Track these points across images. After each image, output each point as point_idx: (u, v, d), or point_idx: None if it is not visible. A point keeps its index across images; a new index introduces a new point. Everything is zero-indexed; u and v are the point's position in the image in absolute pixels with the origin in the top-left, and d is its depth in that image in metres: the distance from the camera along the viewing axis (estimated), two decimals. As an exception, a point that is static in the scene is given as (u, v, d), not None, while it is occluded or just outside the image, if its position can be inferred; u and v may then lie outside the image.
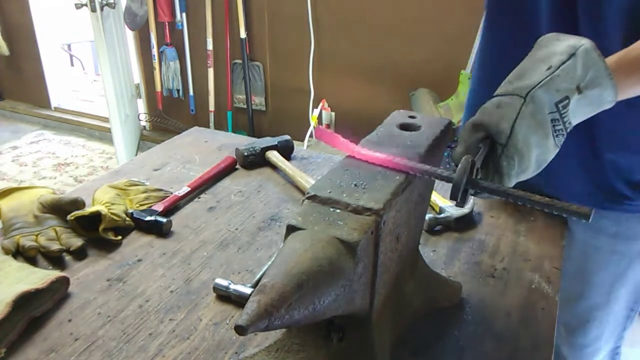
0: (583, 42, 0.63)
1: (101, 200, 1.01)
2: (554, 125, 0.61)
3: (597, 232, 1.03)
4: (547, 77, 0.61)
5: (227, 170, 1.25)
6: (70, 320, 0.78)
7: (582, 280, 1.08)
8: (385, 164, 0.63)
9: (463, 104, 2.44)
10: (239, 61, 3.15)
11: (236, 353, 0.73)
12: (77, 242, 0.92)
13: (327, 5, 2.82)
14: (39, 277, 0.81)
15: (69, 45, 5.05)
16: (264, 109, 3.26)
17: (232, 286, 0.82)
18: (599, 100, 0.63)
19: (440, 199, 1.08)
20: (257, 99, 3.23)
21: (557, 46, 0.64)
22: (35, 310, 0.77)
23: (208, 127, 3.30)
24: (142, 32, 3.35)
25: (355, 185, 0.60)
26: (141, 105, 3.64)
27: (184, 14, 3.20)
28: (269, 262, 0.90)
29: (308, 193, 0.59)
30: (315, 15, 2.86)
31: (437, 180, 0.64)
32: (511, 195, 0.58)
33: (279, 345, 0.67)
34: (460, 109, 2.46)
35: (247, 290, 0.81)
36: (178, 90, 3.41)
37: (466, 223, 1.04)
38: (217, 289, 0.83)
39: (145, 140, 3.61)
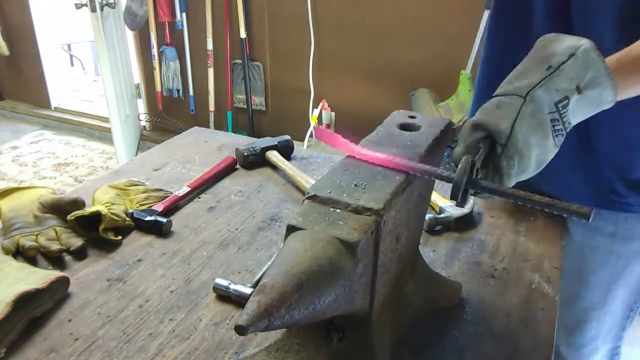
0: (583, 42, 0.63)
1: (101, 200, 1.01)
2: (553, 125, 0.61)
3: (594, 232, 1.03)
4: (546, 77, 0.61)
5: (227, 170, 1.25)
6: (70, 320, 0.78)
7: (580, 280, 1.08)
8: (385, 164, 0.63)
9: (463, 104, 2.44)
10: (239, 61, 3.15)
11: (236, 353, 0.73)
12: (77, 242, 0.92)
13: (327, 5, 2.82)
14: (39, 277, 0.81)
15: (69, 45, 5.05)
16: (264, 109, 3.26)
17: (232, 286, 0.82)
18: (598, 100, 0.63)
19: (440, 199, 1.08)
20: (257, 99, 3.23)
21: (557, 46, 0.64)
22: (35, 310, 0.77)
23: (208, 127, 3.30)
24: (142, 32, 3.35)
25: (355, 185, 0.60)
26: (141, 105, 3.65)
27: (184, 14, 3.20)
28: (269, 262, 0.90)
29: (308, 193, 0.59)
30: (315, 15, 2.86)
31: (437, 180, 0.64)
32: (511, 195, 0.58)
33: (279, 345, 0.67)
34: (460, 109, 2.47)
35: (247, 290, 0.81)
36: (178, 90, 3.41)
37: (466, 223, 1.04)
38: (217, 289, 0.83)
39: (145, 140, 3.61)
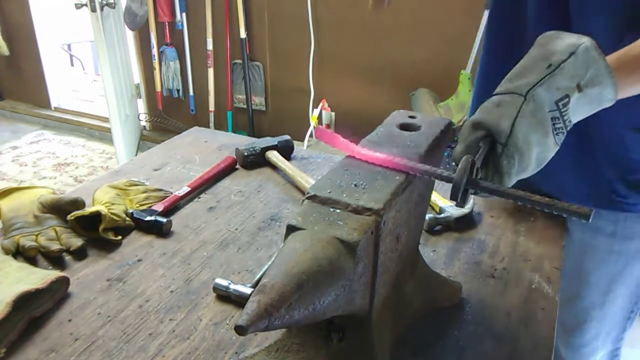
0: (583, 41, 0.63)
1: (101, 200, 1.01)
2: (554, 124, 0.61)
3: (594, 231, 1.03)
4: (547, 75, 0.61)
5: (227, 170, 1.25)
6: (70, 320, 0.78)
7: (580, 280, 1.08)
8: (385, 164, 0.63)
9: (463, 104, 2.44)
10: (239, 61, 3.15)
11: (236, 353, 0.73)
12: (77, 242, 0.92)
13: (327, 5, 2.82)
14: (39, 277, 0.81)
15: (69, 45, 5.05)
16: (264, 109, 3.26)
17: (232, 286, 0.82)
18: (599, 99, 0.63)
19: (440, 199, 1.08)
20: (257, 99, 3.23)
21: (557, 44, 0.64)
22: (35, 310, 0.77)
23: (208, 127, 3.30)
24: (142, 32, 3.35)
25: (355, 185, 0.60)
26: (141, 105, 3.64)
27: (184, 14, 3.20)
28: (269, 262, 0.90)
29: (308, 193, 0.59)
30: (315, 15, 2.86)
31: (437, 180, 0.64)
32: (511, 195, 0.58)
33: (279, 345, 0.67)
34: (460, 109, 2.46)
35: (247, 290, 0.81)
36: (178, 90, 3.41)
37: (466, 223, 1.04)
38: (217, 289, 0.83)
39: (145, 140, 3.61)
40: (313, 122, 2.90)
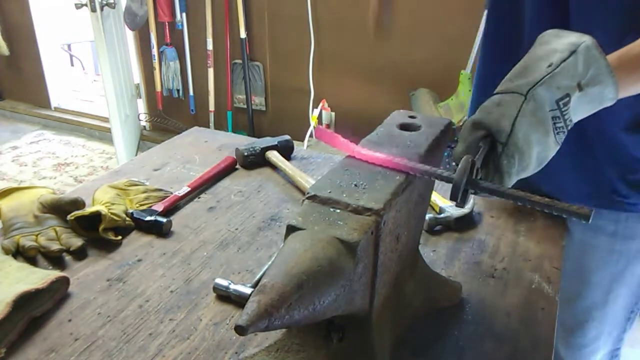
0: (584, 39, 0.62)
1: (101, 200, 1.01)
2: (554, 123, 0.61)
3: (595, 231, 1.03)
4: (547, 74, 0.61)
5: (227, 170, 1.25)
6: (70, 320, 0.78)
7: (581, 280, 1.08)
8: (385, 164, 0.63)
9: (463, 104, 2.44)
10: (239, 61, 3.15)
11: (236, 353, 0.73)
12: (77, 242, 0.92)
13: (327, 5, 2.82)
14: (39, 277, 0.81)
15: (69, 45, 5.05)
16: (264, 109, 3.26)
17: (232, 286, 0.82)
18: (600, 98, 0.63)
19: (440, 199, 1.08)
20: (257, 99, 3.23)
21: (558, 43, 0.63)
22: (35, 310, 0.77)
23: (208, 127, 3.30)
24: (142, 32, 3.35)
25: (355, 185, 0.60)
26: (141, 105, 3.64)
27: (184, 14, 3.20)
28: (269, 262, 0.90)
29: (308, 193, 0.59)
30: (315, 15, 2.86)
31: (437, 180, 0.64)
32: (511, 195, 0.58)
33: (279, 345, 0.67)
34: (460, 109, 2.46)
35: (247, 290, 0.81)
36: (178, 90, 3.41)
37: (466, 223, 1.04)
38: (217, 289, 0.83)
39: (145, 140, 3.61)
40: (313, 122, 2.90)
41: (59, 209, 0.98)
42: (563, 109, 0.61)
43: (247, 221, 1.05)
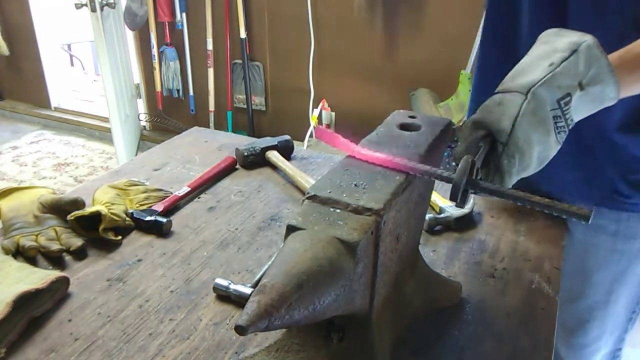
0: (586, 38, 0.62)
1: (101, 200, 1.01)
2: (555, 122, 0.60)
3: (597, 230, 1.03)
4: (548, 73, 0.61)
5: (227, 170, 1.25)
6: (70, 320, 0.78)
7: (582, 280, 1.08)
8: (385, 164, 0.63)
9: (463, 104, 2.44)
10: (239, 61, 3.15)
11: (236, 353, 0.73)
12: (77, 242, 0.92)
13: (327, 5, 2.82)
14: (39, 277, 0.81)
15: (69, 45, 5.05)
16: (264, 109, 3.26)
17: (232, 286, 0.82)
18: (601, 97, 0.63)
19: (440, 199, 1.08)
20: (257, 99, 3.23)
21: (559, 42, 0.63)
22: (35, 310, 0.77)
23: (208, 127, 3.30)
24: (142, 32, 3.35)
25: (355, 185, 0.60)
26: (141, 105, 3.65)
27: (184, 14, 3.20)
28: (269, 262, 0.90)
29: (308, 193, 0.59)
30: (315, 15, 2.86)
31: (437, 180, 0.64)
32: (511, 196, 0.58)
33: (279, 345, 0.67)
34: (460, 109, 2.46)
35: (247, 290, 0.81)
36: (178, 90, 3.41)
37: (466, 223, 1.04)
38: (217, 289, 0.83)
39: (145, 140, 3.61)
40: (313, 122, 2.90)
41: (59, 209, 0.98)
42: (564, 109, 0.61)
43: (247, 221, 1.05)
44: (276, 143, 1.31)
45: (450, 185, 0.59)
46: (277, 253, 0.53)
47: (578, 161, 0.96)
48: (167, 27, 3.26)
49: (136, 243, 0.97)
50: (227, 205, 1.12)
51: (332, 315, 0.54)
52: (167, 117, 3.49)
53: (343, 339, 0.63)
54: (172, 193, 1.11)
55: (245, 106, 3.24)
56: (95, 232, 0.94)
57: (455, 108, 2.47)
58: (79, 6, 2.79)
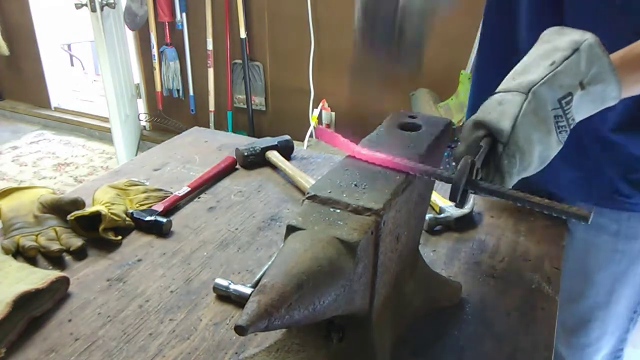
0: (587, 37, 0.62)
1: (101, 200, 1.01)
2: (557, 122, 0.60)
3: (598, 230, 1.03)
4: (549, 72, 0.60)
5: (227, 170, 1.25)
6: (70, 320, 0.78)
7: (583, 280, 1.08)
8: (385, 164, 0.63)
9: (463, 104, 2.44)
10: (239, 61, 3.15)
11: (236, 353, 0.73)
12: (77, 242, 0.92)
13: (327, 5, 2.82)
14: (39, 277, 0.81)
15: (69, 45, 5.05)
16: (264, 109, 3.26)
17: (232, 286, 0.82)
18: (602, 96, 0.63)
19: (440, 199, 1.08)
20: (257, 99, 3.23)
21: (560, 41, 0.63)
22: (35, 310, 0.77)
23: (208, 127, 3.30)
24: (142, 32, 3.35)
25: (355, 185, 0.60)
26: (141, 105, 3.65)
27: (184, 14, 3.20)
28: (269, 262, 0.90)
29: (308, 193, 0.59)
30: (315, 15, 2.86)
31: (437, 180, 0.64)
32: (511, 196, 0.58)
33: (279, 346, 0.67)
34: (460, 109, 2.46)
35: (247, 290, 0.81)
36: (178, 90, 3.41)
37: (466, 223, 1.04)
38: (217, 289, 0.83)
39: (145, 140, 3.61)
40: (313, 122, 2.90)
41: (59, 209, 0.98)
42: (565, 108, 0.60)
43: (247, 221, 1.05)
44: (276, 143, 1.31)
45: (450, 185, 0.58)
46: (277, 253, 0.53)
47: (577, 161, 0.96)
48: (167, 27, 3.26)
49: (136, 243, 0.97)
50: (227, 205, 1.12)
51: (332, 315, 0.54)
52: (167, 117, 3.49)
53: (343, 339, 0.63)
54: (172, 193, 1.11)
55: (245, 106, 3.24)
56: (95, 232, 0.94)
57: (455, 108, 2.47)
58: (79, 6, 2.79)
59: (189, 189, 1.13)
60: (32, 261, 0.90)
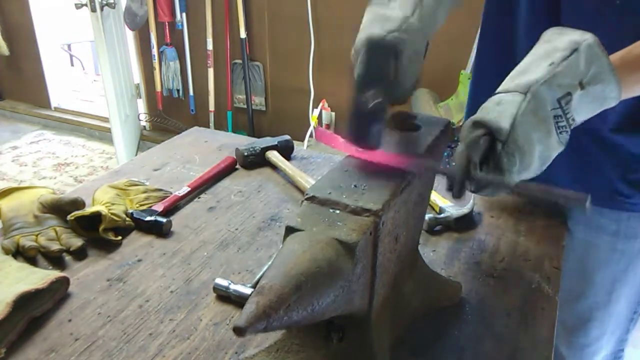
0: (586, 37, 0.62)
1: (101, 201, 1.01)
2: (556, 122, 0.60)
3: (597, 230, 1.03)
4: (549, 72, 0.61)
5: (227, 170, 1.25)
6: (70, 320, 0.78)
7: (583, 279, 1.08)
8: (385, 164, 0.63)
9: (463, 104, 2.44)
10: (239, 61, 3.15)
11: (236, 353, 0.73)
12: (77, 242, 0.92)
13: (327, 5, 2.82)
14: (39, 277, 0.81)
15: (69, 45, 5.05)
16: (264, 109, 3.26)
17: (232, 286, 0.82)
18: (602, 97, 0.63)
19: (440, 199, 1.08)
20: (257, 99, 3.23)
21: (560, 41, 0.63)
22: (35, 310, 0.77)
23: (208, 127, 3.30)
24: (142, 32, 3.35)
25: (355, 185, 0.60)
26: (141, 105, 3.65)
27: (184, 14, 3.20)
28: (269, 263, 0.90)
29: (307, 194, 0.59)
30: (315, 15, 2.86)
31: (436, 180, 0.64)
32: (507, 186, 0.58)
33: (279, 346, 0.67)
34: (460, 109, 2.47)
35: (247, 290, 0.81)
36: (178, 90, 3.41)
37: (466, 223, 1.04)
38: (217, 289, 0.83)
39: (145, 140, 3.61)
40: (313, 122, 2.90)
41: (59, 209, 0.98)
42: (565, 108, 0.60)
43: (247, 221, 1.05)
44: (276, 143, 1.31)
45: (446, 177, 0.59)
46: (276, 254, 0.53)
47: (577, 161, 0.96)
48: (167, 27, 3.26)
49: (136, 243, 0.97)
50: (227, 205, 1.12)
51: (332, 316, 0.54)
52: (167, 117, 3.49)
53: (343, 339, 0.63)
54: (172, 193, 1.11)
55: (245, 106, 3.24)
56: (95, 232, 0.94)
57: (455, 108, 2.47)
58: (79, 6, 2.79)
59: (189, 189, 1.13)
60: (32, 261, 0.90)
